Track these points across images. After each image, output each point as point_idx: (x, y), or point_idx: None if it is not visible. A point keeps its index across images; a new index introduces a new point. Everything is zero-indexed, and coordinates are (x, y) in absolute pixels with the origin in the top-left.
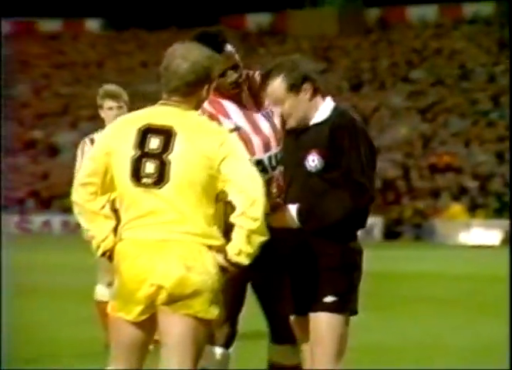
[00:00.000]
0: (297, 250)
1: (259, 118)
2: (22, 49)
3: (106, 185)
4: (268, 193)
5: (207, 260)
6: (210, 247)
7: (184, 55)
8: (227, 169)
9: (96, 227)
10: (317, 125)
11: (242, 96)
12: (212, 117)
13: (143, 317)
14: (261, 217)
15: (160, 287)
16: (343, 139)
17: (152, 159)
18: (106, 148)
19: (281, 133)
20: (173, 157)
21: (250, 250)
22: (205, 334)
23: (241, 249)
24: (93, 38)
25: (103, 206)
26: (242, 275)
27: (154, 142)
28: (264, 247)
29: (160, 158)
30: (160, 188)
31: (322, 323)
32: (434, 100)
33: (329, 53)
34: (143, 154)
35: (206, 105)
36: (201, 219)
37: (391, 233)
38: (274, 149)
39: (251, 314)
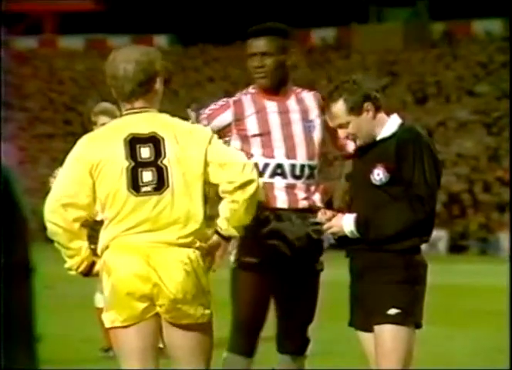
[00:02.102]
0: (365, 264)
1: (296, 126)
2: (92, 66)
3: (86, 204)
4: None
5: (199, 262)
6: (200, 242)
7: (125, 58)
8: (212, 157)
9: (76, 245)
10: (383, 140)
11: (288, 102)
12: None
13: (147, 315)
14: (253, 189)
15: (162, 290)
16: (408, 153)
17: (147, 167)
18: (89, 166)
19: (315, 149)
20: (168, 161)
21: (242, 222)
22: (209, 338)
23: (234, 223)
24: (161, 53)
25: (81, 226)
26: (262, 281)
27: (145, 152)
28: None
29: (155, 165)
30: (160, 194)
31: (386, 335)
32: (500, 114)
33: (394, 67)
34: (137, 164)
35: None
36: (200, 218)
37: (456, 247)
38: (302, 160)
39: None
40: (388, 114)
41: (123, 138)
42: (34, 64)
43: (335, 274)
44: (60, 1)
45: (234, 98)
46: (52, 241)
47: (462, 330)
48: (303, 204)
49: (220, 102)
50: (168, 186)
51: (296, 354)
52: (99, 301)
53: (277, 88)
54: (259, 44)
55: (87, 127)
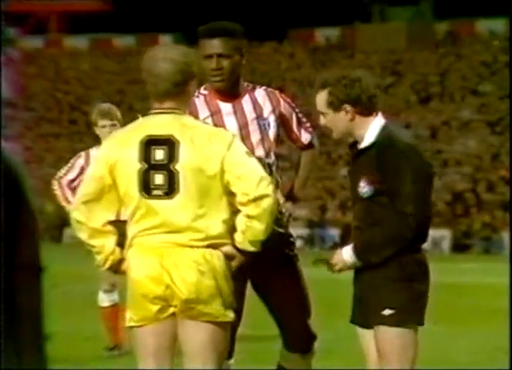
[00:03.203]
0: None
1: (253, 126)
2: (97, 65)
3: (109, 202)
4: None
5: (217, 263)
6: (219, 246)
7: (164, 56)
8: (229, 167)
9: (99, 242)
10: (365, 149)
11: (242, 103)
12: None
13: (162, 316)
14: (267, 204)
15: (175, 292)
16: (387, 166)
17: (159, 170)
18: (108, 165)
19: (272, 146)
20: (180, 166)
21: (258, 238)
22: (225, 339)
23: (251, 238)
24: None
25: (105, 223)
26: (237, 284)
27: (159, 154)
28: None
29: (168, 168)
30: (171, 198)
31: (383, 336)
32: (503, 113)
33: (398, 67)
34: (149, 166)
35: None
36: (213, 222)
37: (460, 246)
38: (261, 159)
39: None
40: (387, 113)
41: (140, 139)
42: (39, 64)
43: (336, 273)
44: (66, 1)
45: None
46: (57, 240)
47: (465, 328)
48: None
49: None
50: (179, 192)
51: (302, 352)
52: (103, 300)
53: (231, 89)
54: (215, 45)
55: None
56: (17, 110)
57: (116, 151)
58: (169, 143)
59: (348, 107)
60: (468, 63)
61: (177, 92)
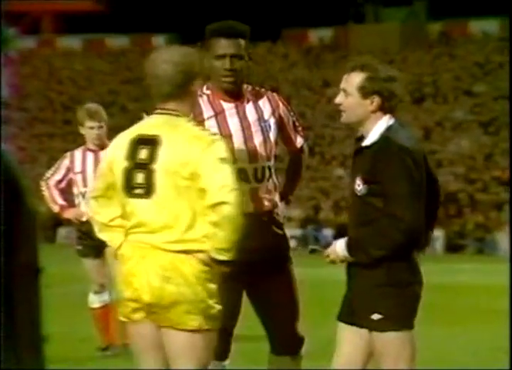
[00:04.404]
0: (352, 264)
1: (255, 127)
2: (90, 66)
3: (115, 198)
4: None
5: (188, 269)
6: (195, 252)
7: (165, 59)
8: (201, 171)
9: (108, 236)
10: (366, 148)
11: (245, 104)
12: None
13: (135, 316)
14: (225, 211)
15: (140, 295)
16: (382, 168)
17: (141, 169)
18: (109, 162)
19: (273, 148)
20: (158, 166)
21: (224, 245)
22: (201, 346)
23: (216, 245)
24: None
25: (113, 219)
26: (234, 286)
27: (143, 153)
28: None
29: (147, 168)
30: (149, 198)
31: (377, 340)
32: (497, 114)
33: (391, 67)
34: (134, 165)
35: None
36: (187, 225)
37: (453, 247)
38: (263, 162)
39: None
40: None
41: (131, 138)
42: (33, 64)
43: (330, 273)
44: (59, 1)
45: None
46: (51, 240)
47: (459, 329)
48: (267, 206)
49: None
50: (155, 192)
51: (292, 354)
52: (93, 301)
53: (236, 89)
54: (230, 45)
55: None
56: (10, 110)
57: (114, 149)
58: (153, 143)
59: (376, 99)
60: (461, 64)
61: (179, 94)
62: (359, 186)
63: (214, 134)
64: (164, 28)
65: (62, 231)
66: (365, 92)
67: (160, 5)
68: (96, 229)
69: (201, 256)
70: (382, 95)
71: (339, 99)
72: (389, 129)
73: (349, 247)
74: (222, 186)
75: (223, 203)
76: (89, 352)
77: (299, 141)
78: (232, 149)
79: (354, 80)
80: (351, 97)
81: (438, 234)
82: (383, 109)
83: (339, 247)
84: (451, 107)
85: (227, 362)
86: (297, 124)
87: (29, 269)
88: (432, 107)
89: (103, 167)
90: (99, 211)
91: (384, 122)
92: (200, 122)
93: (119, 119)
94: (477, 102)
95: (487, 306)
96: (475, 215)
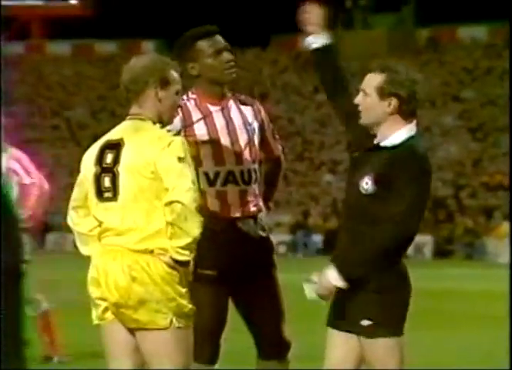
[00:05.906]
0: None
1: (241, 130)
2: (79, 71)
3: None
4: (228, 205)
5: (154, 270)
6: (161, 251)
7: (127, 66)
8: (160, 170)
9: (88, 250)
10: (383, 148)
11: (230, 107)
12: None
13: (105, 316)
14: (178, 210)
15: (107, 295)
16: (401, 174)
17: (107, 173)
18: (83, 171)
19: (257, 151)
20: (121, 168)
21: (181, 244)
22: (176, 343)
23: (173, 244)
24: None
25: (92, 229)
26: (222, 291)
27: (109, 157)
28: (233, 259)
29: (112, 171)
30: (116, 201)
31: (366, 346)
32: (485, 119)
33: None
34: (102, 170)
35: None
36: (153, 224)
37: (442, 252)
38: (248, 164)
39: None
40: (410, 122)
41: (100, 145)
42: (21, 69)
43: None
44: (48, 6)
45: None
46: (40, 246)
47: (447, 334)
48: (253, 209)
49: None
50: (119, 194)
51: (279, 359)
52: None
53: (222, 90)
54: (221, 40)
55: (75, 133)
56: None
57: (87, 158)
58: (117, 147)
59: (394, 101)
60: (450, 69)
61: (136, 99)
62: (367, 184)
63: (176, 134)
64: (153, 33)
65: (50, 237)
66: (382, 93)
67: (149, 11)
68: (78, 243)
69: (165, 258)
70: (400, 98)
71: (358, 99)
72: (412, 138)
73: (341, 270)
74: (177, 185)
75: (176, 202)
76: (77, 355)
77: (278, 149)
78: (221, 152)
79: (373, 81)
80: (369, 98)
81: (427, 240)
82: (401, 111)
83: (331, 275)
84: (439, 113)
85: (216, 366)
86: (275, 132)
87: (12, 273)
88: (420, 113)
89: (80, 177)
90: (78, 222)
91: (408, 129)
92: (189, 125)
93: (109, 124)
94: (466, 107)
95: (477, 311)
96: (464, 220)
